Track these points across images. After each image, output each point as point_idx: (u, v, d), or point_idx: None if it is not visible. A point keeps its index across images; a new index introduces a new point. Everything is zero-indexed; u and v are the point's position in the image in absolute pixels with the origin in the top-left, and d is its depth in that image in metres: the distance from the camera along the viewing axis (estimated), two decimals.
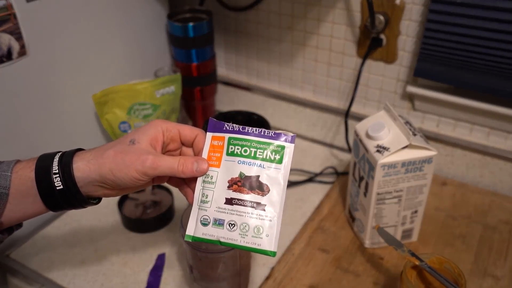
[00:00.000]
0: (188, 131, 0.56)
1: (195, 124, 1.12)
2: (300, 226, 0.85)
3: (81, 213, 0.90)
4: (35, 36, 0.77)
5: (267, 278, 0.75)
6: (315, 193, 0.94)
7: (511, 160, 0.90)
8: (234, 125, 0.55)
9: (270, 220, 0.52)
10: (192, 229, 0.53)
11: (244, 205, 0.52)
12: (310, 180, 0.97)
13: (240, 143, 0.54)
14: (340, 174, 0.98)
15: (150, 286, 0.74)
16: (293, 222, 0.87)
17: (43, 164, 0.53)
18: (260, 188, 0.52)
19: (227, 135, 0.55)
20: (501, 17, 0.75)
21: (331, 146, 1.08)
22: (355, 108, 1.02)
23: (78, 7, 0.83)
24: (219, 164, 0.54)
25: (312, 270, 0.76)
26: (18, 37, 0.74)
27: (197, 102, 1.09)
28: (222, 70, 1.18)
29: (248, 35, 1.08)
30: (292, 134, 0.55)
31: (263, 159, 0.53)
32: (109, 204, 0.92)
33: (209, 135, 0.55)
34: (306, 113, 1.09)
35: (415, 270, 0.65)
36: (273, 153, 0.54)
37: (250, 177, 0.53)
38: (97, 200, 0.56)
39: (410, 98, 0.95)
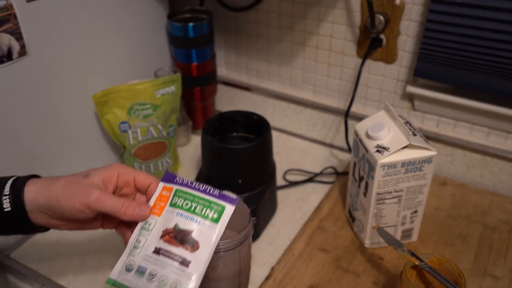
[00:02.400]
0: (143, 178, 0.57)
1: (195, 124, 1.12)
2: (300, 226, 0.85)
3: None
4: (35, 36, 0.77)
5: (267, 278, 0.75)
6: (315, 193, 0.94)
7: (511, 160, 0.90)
8: (185, 178, 0.57)
9: (190, 278, 0.52)
10: (116, 272, 0.53)
11: (170, 257, 0.53)
12: (310, 180, 0.97)
13: (184, 196, 0.55)
14: (340, 174, 0.98)
15: None
16: (293, 222, 0.87)
17: None
18: (189, 243, 0.53)
19: (175, 187, 0.56)
20: (501, 17, 0.75)
21: (331, 146, 1.08)
22: (355, 108, 1.02)
23: (78, 7, 0.83)
24: (160, 213, 0.55)
25: (312, 270, 0.76)
26: (18, 37, 0.74)
27: (197, 102, 1.09)
28: (222, 70, 1.18)
29: (248, 35, 1.08)
30: (235, 197, 0.55)
31: (201, 216, 0.54)
32: None
33: (161, 184, 0.57)
34: (306, 113, 1.09)
35: (415, 270, 0.65)
36: (212, 211, 0.54)
37: (183, 230, 0.53)
38: (43, 229, 0.57)
39: (410, 98, 0.95)
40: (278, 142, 1.10)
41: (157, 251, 0.53)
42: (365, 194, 0.76)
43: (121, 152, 0.95)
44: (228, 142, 0.86)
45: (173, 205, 0.55)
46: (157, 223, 0.54)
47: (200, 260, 0.52)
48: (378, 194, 0.73)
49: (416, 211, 0.77)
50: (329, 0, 0.93)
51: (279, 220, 0.88)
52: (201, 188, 0.56)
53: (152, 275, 0.52)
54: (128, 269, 0.53)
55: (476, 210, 0.87)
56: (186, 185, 0.56)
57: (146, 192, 0.58)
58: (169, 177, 0.58)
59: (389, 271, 0.76)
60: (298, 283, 0.74)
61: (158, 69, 1.00)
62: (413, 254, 0.65)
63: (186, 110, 1.10)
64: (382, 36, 0.91)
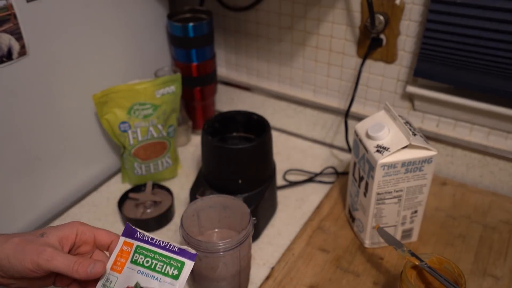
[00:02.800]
0: (104, 236, 0.56)
1: (195, 124, 1.12)
2: (300, 226, 0.85)
3: (81, 213, 0.90)
4: (35, 36, 0.77)
5: (267, 278, 0.75)
6: (315, 193, 0.94)
7: (511, 160, 0.90)
8: (145, 233, 0.56)
9: None
10: None
11: None
12: (310, 180, 0.97)
13: (145, 253, 0.55)
14: (340, 174, 0.98)
15: None
16: (293, 222, 0.87)
17: None
18: None
19: (136, 243, 0.56)
20: (501, 17, 0.75)
21: (331, 146, 1.08)
22: (355, 108, 1.02)
23: (78, 7, 0.83)
24: (121, 270, 0.55)
25: (312, 270, 0.76)
26: (18, 37, 0.74)
27: (197, 102, 1.09)
28: (222, 70, 1.18)
29: (248, 35, 1.08)
30: (194, 253, 0.55)
31: (161, 273, 0.54)
32: (109, 204, 0.92)
33: (122, 239, 0.56)
34: (306, 113, 1.09)
35: (415, 270, 0.65)
36: (172, 268, 0.54)
37: None
38: None
39: (410, 98, 0.95)
40: (278, 142, 1.10)
41: None
42: (365, 194, 0.76)
43: (121, 152, 0.95)
44: (228, 142, 0.86)
45: (133, 262, 0.55)
46: (118, 281, 0.54)
47: None
48: (378, 194, 0.73)
49: (416, 211, 0.77)
50: (329, 0, 0.93)
51: (279, 220, 0.88)
52: (161, 244, 0.55)
53: None
54: None
55: (476, 210, 0.87)
56: (147, 242, 0.56)
57: (107, 249, 0.57)
58: (130, 232, 0.57)
59: (389, 271, 0.76)
60: (298, 283, 0.74)
61: (158, 69, 1.00)
62: (413, 254, 0.65)
63: (186, 110, 1.10)
64: (382, 36, 0.91)
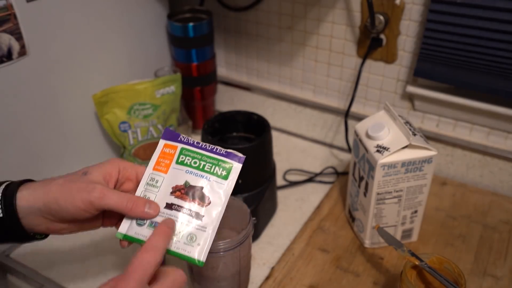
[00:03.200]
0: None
1: (195, 124, 1.12)
2: (300, 226, 0.85)
3: None
4: (35, 36, 0.77)
5: (267, 278, 0.75)
6: (315, 193, 0.94)
7: (511, 160, 0.90)
8: (189, 138, 0.58)
9: (205, 231, 0.53)
10: (126, 227, 0.53)
11: (183, 212, 0.53)
12: (310, 180, 0.97)
13: (191, 154, 0.56)
14: (340, 174, 0.98)
15: None
16: (293, 222, 0.87)
17: None
18: (201, 199, 0.54)
19: (180, 145, 0.57)
20: (501, 17, 0.75)
21: (331, 146, 1.08)
22: (355, 108, 1.02)
23: (78, 7, 0.83)
24: (166, 170, 0.55)
25: (312, 270, 0.76)
26: (18, 37, 0.74)
27: (197, 102, 1.09)
28: (222, 70, 1.18)
29: (248, 35, 1.08)
30: (242, 156, 0.56)
31: (210, 173, 0.55)
32: None
33: (162, 142, 0.58)
34: (306, 113, 1.09)
35: (415, 270, 0.65)
36: (221, 169, 0.55)
37: (194, 187, 0.54)
38: (43, 236, 0.53)
39: (410, 98, 0.95)
40: (278, 142, 1.10)
41: (169, 206, 0.53)
42: (365, 194, 0.76)
43: (121, 152, 0.95)
44: (228, 142, 0.86)
45: (180, 163, 0.55)
46: (165, 180, 0.55)
47: (213, 214, 0.53)
48: (378, 194, 0.73)
49: (416, 211, 0.77)
50: (329, 0, 0.93)
51: (279, 220, 0.88)
52: (207, 147, 0.56)
53: (156, 229, 0.51)
54: (140, 224, 0.53)
55: (476, 210, 0.87)
56: (192, 145, 0.57)
57: None
58: (171, 135, 0.58)
59: (389, 271, 0.76)
60: (298, 283, 0.74)
61: (158, 69, 1.00)
62: (413, 254, 0.65)
63: (186, 110, 1.10)
64: (382, 36, 0.91)
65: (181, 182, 0.54)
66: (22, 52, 0.75)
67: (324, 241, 0.82)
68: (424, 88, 0.91)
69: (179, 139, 0.57)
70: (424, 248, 0.79)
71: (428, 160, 0.70)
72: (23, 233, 0.50)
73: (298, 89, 1.09)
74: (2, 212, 0.48)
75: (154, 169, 0.56)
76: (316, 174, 0.98)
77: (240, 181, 0.79)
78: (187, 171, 0.55)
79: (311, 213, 0.88)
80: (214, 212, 0.53)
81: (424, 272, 0.64)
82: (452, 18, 0.79)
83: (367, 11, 0.87)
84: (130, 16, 0.94)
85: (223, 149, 0.57)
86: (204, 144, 0.57)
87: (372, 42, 0.92)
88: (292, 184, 0.96)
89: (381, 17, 0.88)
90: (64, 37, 0.82)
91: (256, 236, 0.83)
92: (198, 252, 0.52)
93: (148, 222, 0.53)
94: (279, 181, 0.97)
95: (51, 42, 0.80)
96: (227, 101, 1.20)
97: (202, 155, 0.56)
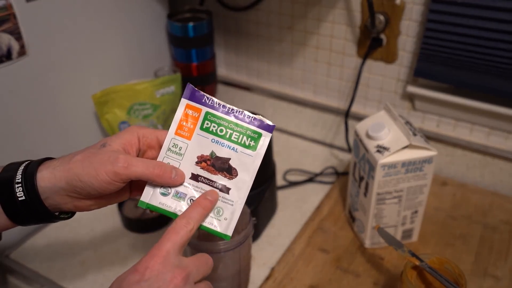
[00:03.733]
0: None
1: None
2: (300, 226, 0.85)
3: (81, 213, 0.90)
4: (35, 36, 0.77)
5: (267, 278, 0.75)
6: (315, 193, 0.94)
7: (511, 160, 0.90)
8: (215, 99, 0.53)
9: (232, 205, 0.51)
10: (148, 196, 0.50)
11: (209, 185, 0.51)
12: (310, 180, 0.97)
13: (217, 121, 0.52)
14: (340, 174, 0.98)
15: None
16: (293, 222, 0.87)
17: (7, 174, 0.48)
18: (228, 171, 0.51)
19: (205, 109, 0.53)
20: (501, 17, 0.75)
21: (331, 146, 1.08)
22: (355, 108, 1.02)
23: (78, 7, 0.83)
24: (190, 136, 0.52)
25: (312, 270, 0.76)
26: (18, 37, 0.74)
27: None
28: (222, 70, 1.18)
29: (248, 35, 1.08)
30: (271, 124, 0.53)
31: (237, 143, 0.52)
32: None
33: (184, 102, 0.53)
34: (306, 113, 1.09)
35: (415, 271, 0.65)
36: (249, 139, 0.52)
37: (220, 158, 0.51)
38: (69, 214, 0.52)
39: (410, 98, 0.95)
40: (278, 142, 1.10)
41: (195, 177, 0.51)
42: (365, 194, 0.75)
43: None
44: None
45: (204, 129, 0.52)
46: (189, 147, 0.51)
47: (241, 187, 0.51)
48: (378, 194, 0.73)
49: (416, 211, 0.77)
50: (329, 0, 0.93)
51: (279, 220, 0.88)
52: (235, 112, 0.53)
53: (193, 201, 0.50)
54: (164, 194, 0.50)
55: (477, 210, 0.87)
56: (218, 109, 0.53)
57: None
58: (195, 96, 0.53)
59: (389, 271, 0.76)
60: (298, 283, 0.74)
61: (158, 69, 1.00)
62: (413, 255, 0.64)
63: None
64: (382, 36, 0.91)
65: (206, 152, 0.51)
66: (22, 52, 0.75)
67: (324, 242, 0.82)
68: (424, 88, 0.91)
69: (203, 101, 0.53)
70: (424, 248, 0.79)
71: (428, 160, 0.70)
72: (48, 214, 0.48)
73: (299, 89, 1.09)
74: (24, 195, 0.46)
75: (175, 133, 0.51)
76: (316, 174, 0.98)
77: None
78: (213, 140, 0.51)
79: (311, 213, 0.88)
80: (241, 185, 0.51)
81: (424, 273, 0.64)
82: (452, 18, 0.79)
83: (367, 11, 0.87)
84: (130, 16, 0.94)
85: (252, 115, 0.53)
86: (231, 108, 0.53)
87: (372, 42, 0.92)
88: (292, 184, 0.96)
89: (381, 17, 0.88)
90: (63, 37, 0.82)
91: (256, 236, 0.83)
92: (225, 227, 0.50)
93: (173, 191, 0.50)
94: (279, 181, 0.97)
95: (51, 42, 0.80)
96: (227, 101, 1.18)
97: (229, 122, 0.52)
